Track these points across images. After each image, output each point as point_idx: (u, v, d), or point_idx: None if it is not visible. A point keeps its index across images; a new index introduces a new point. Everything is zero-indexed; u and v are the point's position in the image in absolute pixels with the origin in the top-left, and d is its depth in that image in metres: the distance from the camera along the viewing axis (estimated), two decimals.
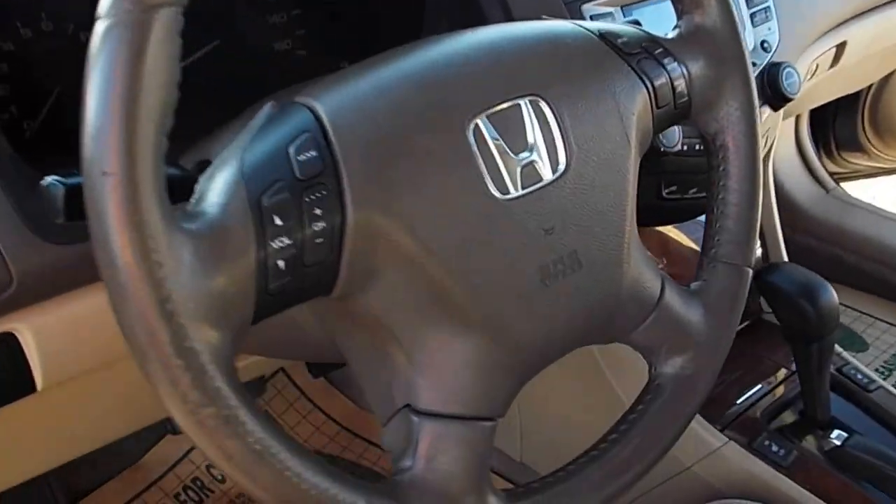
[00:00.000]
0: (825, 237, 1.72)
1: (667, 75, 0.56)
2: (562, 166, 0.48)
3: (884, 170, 1.94)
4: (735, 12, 0.59)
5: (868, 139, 1.80)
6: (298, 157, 0.41)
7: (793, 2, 1.00)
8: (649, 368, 0.57)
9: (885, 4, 1.24)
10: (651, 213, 0.90)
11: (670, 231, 1.10)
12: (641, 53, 0.55)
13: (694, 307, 0.57)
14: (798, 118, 1.75)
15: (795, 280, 0.88)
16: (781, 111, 0.98)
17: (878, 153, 1.83)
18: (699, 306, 0.57)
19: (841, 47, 1.19)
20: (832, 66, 1.22)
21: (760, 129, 0.61)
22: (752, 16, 0.92)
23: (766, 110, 0.92)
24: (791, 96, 0.91)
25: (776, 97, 0.91)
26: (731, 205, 0.60)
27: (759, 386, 0.98)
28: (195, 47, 0.74)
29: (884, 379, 1.46)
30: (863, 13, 1.20)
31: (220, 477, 1.25)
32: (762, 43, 0.93)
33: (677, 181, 0.87)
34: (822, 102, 1.65)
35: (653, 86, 0.55)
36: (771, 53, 0.93)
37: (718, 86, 0.58)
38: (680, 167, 0.85)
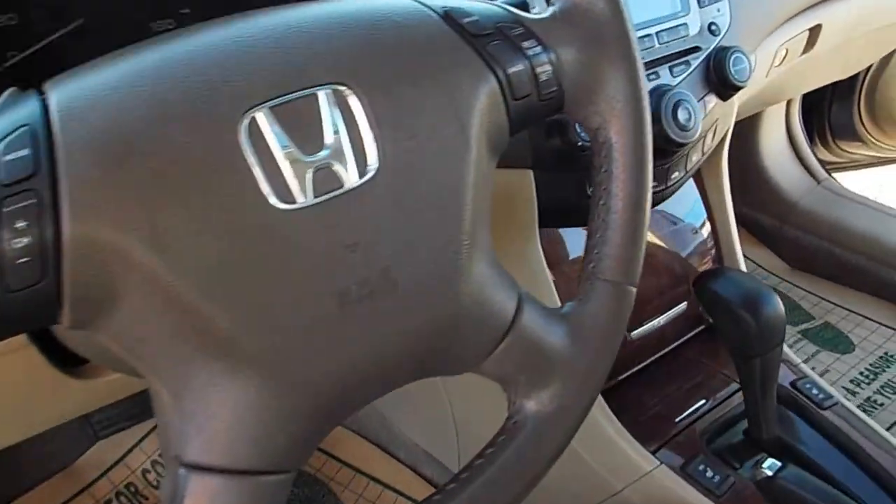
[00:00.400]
0: (814, 230, 1.63)
1: (526, 61, 0.48)
2: (372, 169, 0.41)
3: (882, 159, 1.84)
4: None
5: (865, 127, 1.70)
6: (6, 157, 0.34)
7: None
8: (508, 403, 0.49)
9: None
10: (579, 214, 0.82)
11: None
12: (493, 36, 0.47)
13: (560, 331, 0.49)
14: (789, 105, 1.66)
15: (737, 288, 0.80)
16: (734, 100, 0.90)
17: (876, 142, 1.73)
18: (567, 331, 0.49)
19: (815, 31, 1.10)
20: (806, 50, 1.12)
21: (650, 123, 0.52)
22: None
23: (713, 99, 0.84)
24: (739, 84, 0.83)
25: (723, 85, 0.83)
26: (614, 212, 0.52)
27: (703, 401, 0.90)
28: (59, 25, 0.67)
29: (868, 383, 1.38)
30: None
31: (155, 483, 1.20)
32: (710, 25, 0.84)
33: None
34: (809, 89, 1.55)
35: (505, 73, 0.47)
36: (720, 37, 0.85)
37: (597, 74, 0.50)
38: None
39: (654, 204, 0.87)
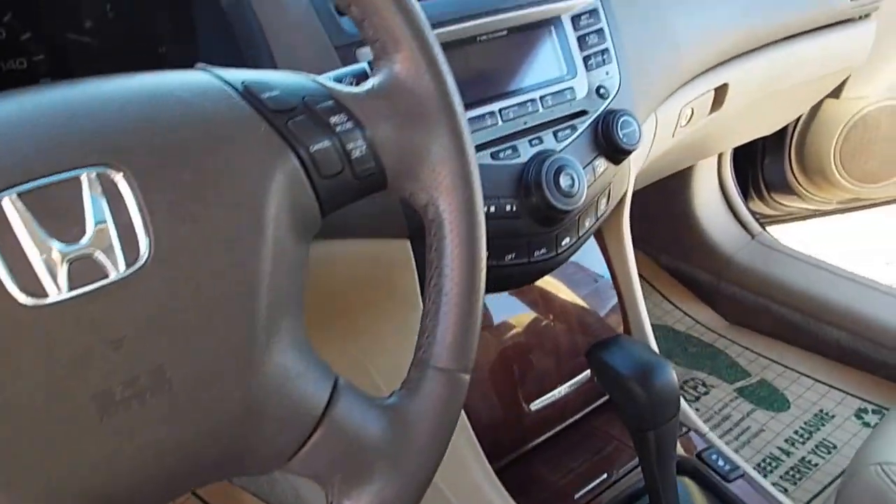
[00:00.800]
0: (750, 286, 1.62)
1: (334, 138, 0.46)
2: (143, 258, 0.38)
3: (818, 212, 1.84)
4: (441, 60, 0.49)
5: (797, 180, 1.71)
6: None
7: (643, 43, 0.91)
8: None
9: (769, 45, 1.14)
10: (495, 280, 0.79)
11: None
12: (297, 111, 0.45)
13: (381, 424, 0.46)
14: (720, 160, 1.66)
15: (629, 359, 0.77)
16: (629, 163, 0.88)
17: (810, 195, 1.73)
18: (389, 423, 0.46)
19: (722, 90, 1.10)
20: (714, 109, 1.12)
21: (480, 200, 0.50)
22: (586, 59, 0.83)
23: (604, 163, 0.82)
24: (628, 148, 0.81)
25: (612, 149, 0.81)
26: (445, 294, 0.49)
27: (605, 475, 0.86)
28: None
29: (802, 443, 1.35)
30: (743, 54, 1.10)
31: None
32: (598, 88, 0.83)
33: (488, 247, 0.76)
34: (736, 144, 1.56)
35: (308, 151, 0.45)
36: (608, 100, 0.83)
37: (420, 151, 0.48)
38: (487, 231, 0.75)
39: (547, 271, 0.84)
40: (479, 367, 0.86)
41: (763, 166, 1.74)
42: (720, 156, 1.64)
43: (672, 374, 0.79)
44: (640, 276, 1.71)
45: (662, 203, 1.66)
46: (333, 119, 0.46)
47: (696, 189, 1.62)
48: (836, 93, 1.55)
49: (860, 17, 1.31)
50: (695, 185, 1.61)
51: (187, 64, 0.49)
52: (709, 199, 1.65)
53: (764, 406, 1.45)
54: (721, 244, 1.65)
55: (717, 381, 1.50)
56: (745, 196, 1.76)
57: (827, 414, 1.42)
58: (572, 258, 0.92)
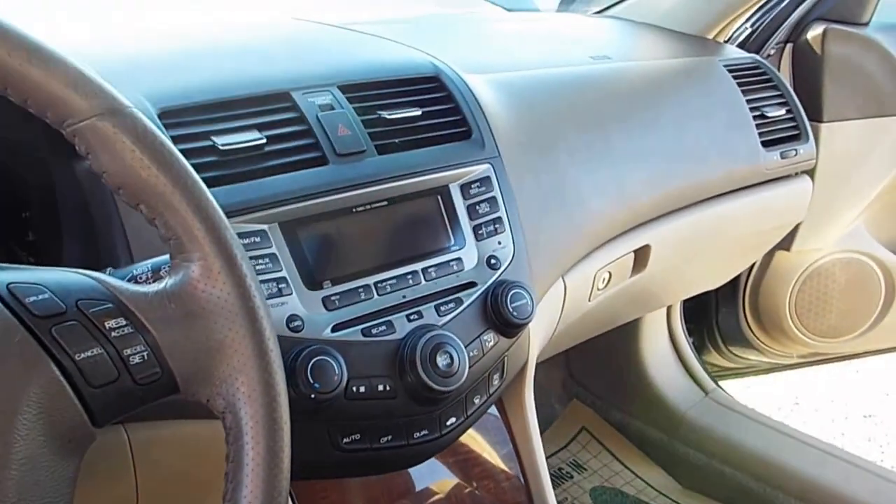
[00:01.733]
0: (704, 447, 1.54)
1: (108, 345, 0.43)
2: None
3: (780, 366, 1.78)
4: (240, 260, 0.46)
5: (754, 334, 1.66)
6: None
7: (543, 211, 0.88)
8: None
9: (696, 204, 1.12)
10: (334, 467, 0.73)
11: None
12: (65, 317, 0.42)
13: None
14: (669, 313, 1.61)
15: None
16: (527, 336, 0.84)
17: (766, 347, 1.68)
18: None
19: (643, 252, 1.07)
20: (637, 271, 1.09)
21: (284, 406, 0.46)
22: (476, 228, 0.80)
23: (494, 337, 0.77)
24: (519, 322, 0.77)
25: (502, 322, 0.77)
26: None
27: None
28: None
29: None
30: (665, 215, 1.08)
31: None
32: (489, 259, 0.80)
33: (360, 429, 0.71)
34: (683, 297, 1.52)
35: (72, 361, 0.41)
36: (500, 271, 0.80)
37: (216, 355, 0.45)
38: (356, 412, 0.70)
39: (430, 453, 0.79)
40: None
41: (718, 318, 1.70)
42: (669, 308, 1.60)
43: None
44: (588, 431, 1.66)
45: (610, 356, 1.60)
46: (109, 324, 0.43)
47: (645, 342, 1.57)
48: (786, 245, 1.53)
49: (795, 174, 1.30)
50: (643, 337, 1.57)
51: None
52: (659, 353, 1.60)
53: None
54: (673, 400, 1.58)
55: None
56: (700, 348, 1.71)
57: None
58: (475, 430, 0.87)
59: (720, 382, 1.67)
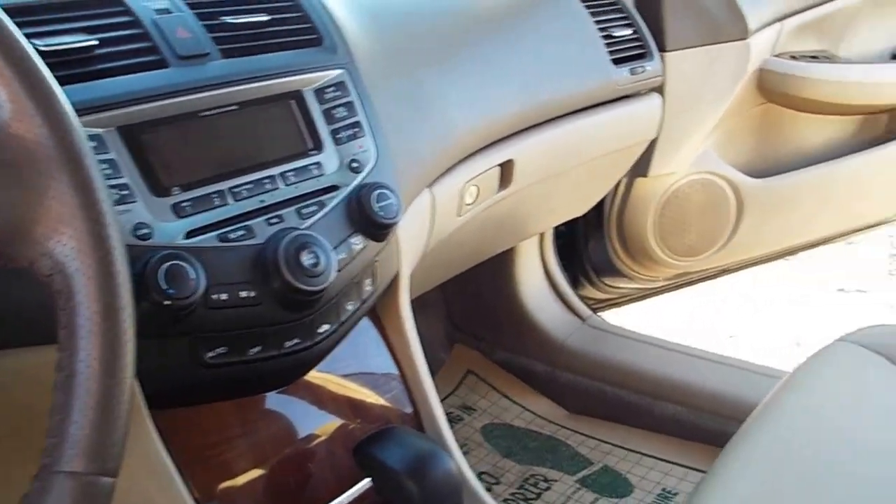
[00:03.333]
0: (586, 371, 1.58)
1: None
2: None
3: (650, 290, 1.85)
4: (56, 98, 0.42)
5: (622, 261, 1.71)
6: None
7: (404, 118, 0.87)
8: None
9: (554, 120, 1.14)
10: (202, 389, 0.70)
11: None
12: None
13: None
14: (542, 247, 1.64)
15: (399, 451, 0.69)
16: (397, 241, 0.82)
17: (636, 273, 1.73)
18: None
19: (507, 166, 1.08)
20: (503, 186, 1.09)
21: (121, 262, 0.42)
22: (334, 132, 0.77)
23: (363, 240, 0.75)
24: (386, 222, 0.75)
25: (369, 224, 0.75)
26: (79, 379, 0.40)
27: None
28: None
29: None
30: (527, 129, 1.09)
31: None
32: (351, 163, 0.78)
33: (225, 340, 0.68)
34: (551, 224, 1.55)
35: None
36: (363, 174, 0.78)
37: (36, 208, 0.40)
38: (219, 323, 0.66)
39: (306, 365, 0.76)
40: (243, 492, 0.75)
41: (588, 251, 1.73)
42: (542, 240, 1.62)
43: (450, 464, 0.70)
44: (475, 373, 1.67)
45: (488, 296, 1.62)
46: None
47: (521, 277, 1.59)
48: (643, 171, 1.57)
49: (645, 92, 1.34)
50: (518, 272, 1.59)
51: None
52: (534, 286, 1.62)
53: (607, 494, 1.38)
54: (552, 331, 1.61)
55: (559, 475, 1.43)
56: (576, 282, 1.75)
57: (670, 492, 1.37)
58: (354, 347, 0.85)
59: (599, 314, 1.72)
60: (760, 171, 1.68)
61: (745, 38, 1.53)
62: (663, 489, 1.38)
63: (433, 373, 1.64)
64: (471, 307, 1.69)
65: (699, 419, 1.46)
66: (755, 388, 1.40)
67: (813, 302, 2.41)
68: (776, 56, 1.61)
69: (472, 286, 1.59)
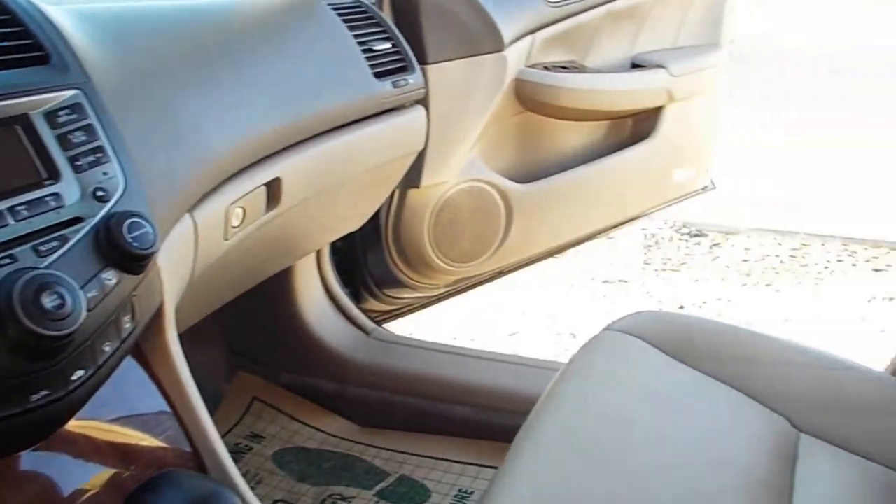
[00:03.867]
0: (375, 384, 1.58)
1: None
2: None
3: (433, 298, 1.88)
4: None
5: (402, 272, 1.72)
6: None
7: (155, 140, 0.82)
8: None
9: (321, 135, 1.13)
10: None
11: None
12: None
13: None
14: (319, 263, 1.62)
15: (179, 496, 0.65)
16: (157, 272, 0.77)
17: (416, 282, 1.75)
18: None
19: (275, 185, 1.05)
20: (271, 206, 1.06)
21: None
22: (73, 159, 0.71)
23: (117, 275, 0.70)
24: (141, 252, 0.70)
25: (122, 256, 0.70)
26: None
27: None
28: None
29: None
30: (292, 146, 1.07)
31: None
32: (95, 192, 0.72)
33: None
34: (327, 241, 1.53)
35: None
36: (111, 203, 0.72)
37: None
38: None
39: (61, 418, 0.69)
40: None
41: (368, 265, 1.74)
42: (319, 257, 1.61)
43: (234, 500, 0.67)
44: (260, 400, 1.62)
45: (268, 319, 1.58)
46: None
47: (300, 296, 1.56)
48: (415, 182, 1.60)
49: (409, 105, 1.37)
50: (297, 291, 1.56)
51: None
52: (315, 304, 1.60)
53: (405, 503, 1.39)
54: (338, 348, 1.60)
55: (356, 491, 1.42)
56: (358, 297, 1.74)
57: (466, 491, 1.40)
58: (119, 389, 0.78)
59: (383, 326, 1.73)
60: (525, 177, 1.77)
61: (501, 50, 1.60)
62: (459, 490, 1.40)
63: (216, 405, 1.58)
64: (251, 332, 1.64)
65: (488, 417, 1.51)
66: (537, 381, 1.47)
67: (583, 295, 2.57)
68: (530, 67, 1.70)
69: (250, 310, 1.54)
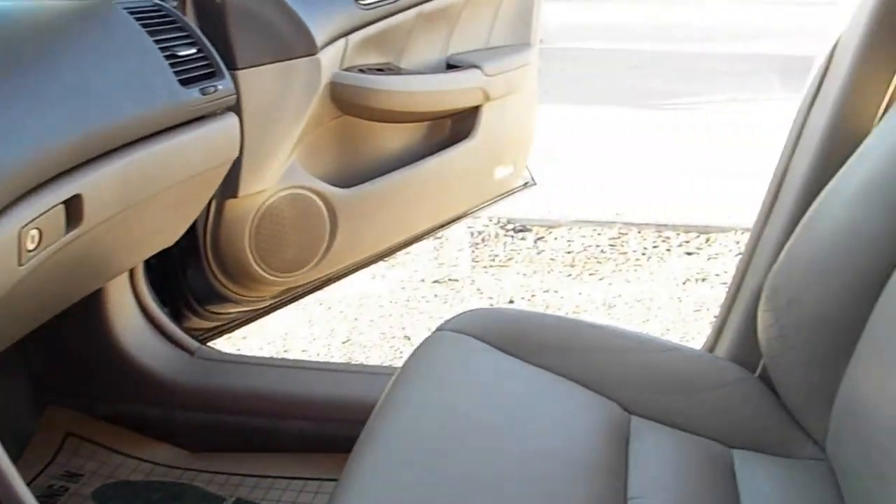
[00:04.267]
0: (202, 406, 1.50)
1: None
2: None
3: (260, 311, 1.82)
4: None
5: (225, 286, 1.65)
6: None
7: None
8: None
9: (125, 147, 1.05)
10: None
11: None
12: None
13: None
14: (134, 283, 1.52)
15: None
16: None
17: (241, 296, 1.69)
18: None
19: (75, 203, 0.97)
20: (72, 226, 0.98)
21: None
22: None
23: None
24: None
25: None
26: None
27: None
28: None
29: None
30: (93, 160, 0.99)
31: None
32: None
33: None
34: (139, 260, 1.44)
35: None
36: None
37: None
38: None
39: None
40: None
41: (188, 282, 1.65)
42: (133, 276, 1.51)
43: None
44: (75, 435, 1.49)
45: (79, 346, 1.46)
46: None
47: (114, 319, 1.46)
48: (233, 192, 1.54)
49: (220, 112, 1.31)
50: (111, 314, 1.45)
51: None
52: (132, 326, 1.50)
53: None
54: (160, 371, 1.50)
55: None
56: (179, 316, 1.65)
57: None
58: None
59: (209, 344, 1.65)
60: (348, 181, 1.75)
61: (314, 54, 1.57)
62: None
63: (23, 445, 1.45)
64: (59, 362, 1.51)
65: (325, 429, 1.47)
66: (373, 388, 1.45)
67: (415, 296, 2.58)
68: (345, 70, 1.67)
69: (57, 338, 1.42)
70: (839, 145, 1.09)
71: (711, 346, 1.25)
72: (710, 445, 1.01)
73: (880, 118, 1.10)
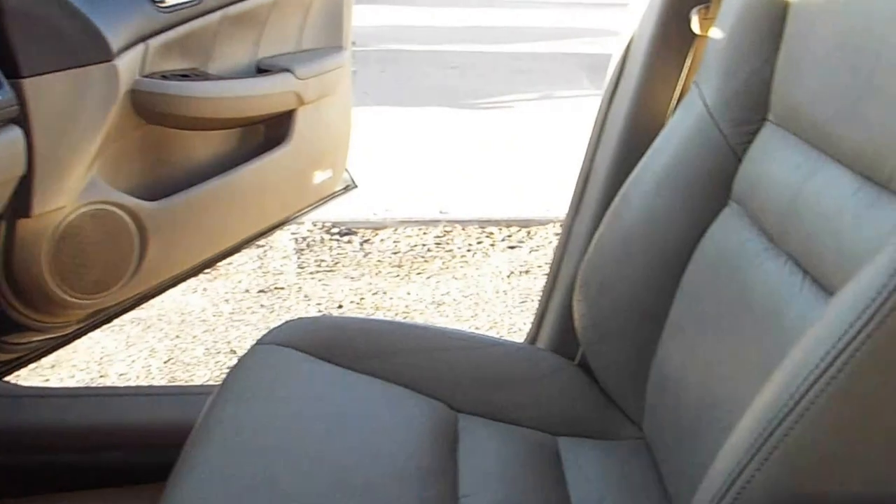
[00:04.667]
0: (4, 447, 1.36)
1: None
2: None
3: (66, 337, 1.69)
4: None
5: (21, 313, 1.51)
6: None
7: None
8: None
9: None
10: None
11: None
12: None
13: None
14: None
15: None
16: None
17: (41, 323, 1.55)
18: None
19: None
20: None
21: None
22: None
23: None
24: None
25: None
26: None
27: None
28: None
29: None
30: None
31: None
32: None
33: None
34: None
35: None
36: None
37: None
38: None
39: None
40: None
41: None
42: None
43: None
44: None
45: None
46: None
47: None
48: (24, 212, 1.42)
49: (1, 125, 1.20)
50: None
51: None
52: None
53: None
54: None
55: None
56: None
57: None
58: None
59: (6, 378, 1.50)
60: (157, 193, 1.65)
61: (110, 60, 1.47)
62: None
63: None
64: None
65: (143, 459, 1.38)
66: (192, 409, 1.38)
67: (240, 308, 2.50)
68: (147, 76, 1.58)
69: None
70: (638, 138, 1.15)
71: (533, 338, 1.28)
72: (536, 435, 1.03)
73: (673, 111, 1.17)
